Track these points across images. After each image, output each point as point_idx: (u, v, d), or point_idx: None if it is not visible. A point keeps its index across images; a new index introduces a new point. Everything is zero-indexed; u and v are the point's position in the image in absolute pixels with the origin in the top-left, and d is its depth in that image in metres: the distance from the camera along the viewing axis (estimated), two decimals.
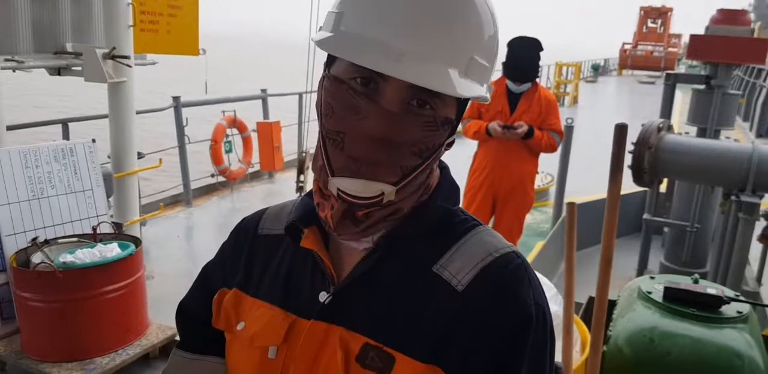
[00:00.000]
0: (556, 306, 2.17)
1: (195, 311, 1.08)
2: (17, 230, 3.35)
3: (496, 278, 0.85)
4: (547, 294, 2.45)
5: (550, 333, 0.89)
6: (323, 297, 0.89)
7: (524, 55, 4.37)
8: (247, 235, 1.04)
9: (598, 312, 1.45)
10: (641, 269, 5.37)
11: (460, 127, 4.81)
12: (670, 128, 4.07)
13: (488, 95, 0.87)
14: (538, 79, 4.55)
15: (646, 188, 4.53)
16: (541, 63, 4.51)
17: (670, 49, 39.58)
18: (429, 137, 0.82)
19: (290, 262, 0.96)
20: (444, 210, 0.92)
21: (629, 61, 39.85)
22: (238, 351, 0.96)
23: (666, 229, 5.60)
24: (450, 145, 0.89)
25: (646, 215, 5.08)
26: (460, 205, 0.97)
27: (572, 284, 1.52)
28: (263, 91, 8.51)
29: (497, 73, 5.32)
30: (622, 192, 5.81)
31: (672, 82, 5.08)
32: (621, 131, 1.39)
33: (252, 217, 1.07)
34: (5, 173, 3.32)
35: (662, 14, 42.18)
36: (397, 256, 0.88)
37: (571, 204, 1.67)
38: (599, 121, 14.57)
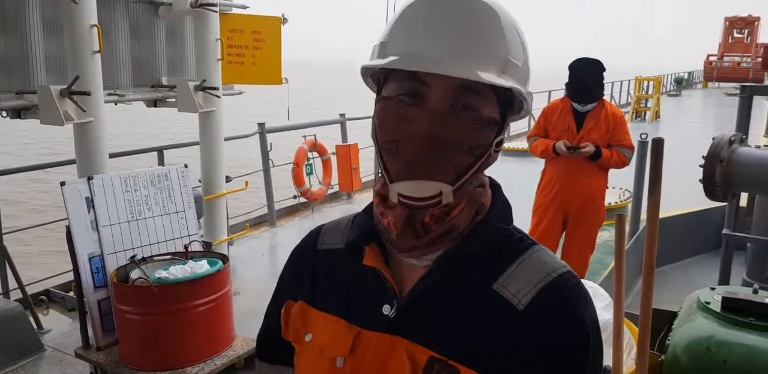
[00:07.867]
0: (609, 314, 2.24)
1: (272, 325, 1.13)
2: (118, 249, 3.59)
3: (555, 298, 0.89)
4: (602, 303, 2.53)
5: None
6: (387, 310, 0.94)
7: (586, 77, 4.37)
8: (308, 250, 1.11)
9: (643, 319, 1.53)
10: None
11: (526, 145, 4.83)
12: (743, 141, 3.99)
13: (529, 99, 0.92)
14: (605, 97, 4.56)
15: (724, 203, 4.43)
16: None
17: (759, 60, 37.82)
18: (476, 135, 0.87)
19: (350, 276, 1.02)
20: (500, 229, 0.96)
21: (715, 73, 38.37)
22: (309, 361, 1.01)
23: (749, 245, 5.43)
24: (499, 145, 0.93)
25: (725, 231, 4.96)
26: (514, 223, 1.00)
27: (621, 291, 1.62)
28: (342, 115, 8.79)
29: (560, 92, 5.28)
30: (702, 207, 5.66)
31: (748, 95, 4.97)
32: (658, 145, 1.49)
33: (311, 233, 1.14)
34: (108, 196, 3.57)
35: (749, 24, 40.28)
36: (458, 274, 0.92)
37: (620, 216, 1.77)
38: (682, 135, 14.14)
